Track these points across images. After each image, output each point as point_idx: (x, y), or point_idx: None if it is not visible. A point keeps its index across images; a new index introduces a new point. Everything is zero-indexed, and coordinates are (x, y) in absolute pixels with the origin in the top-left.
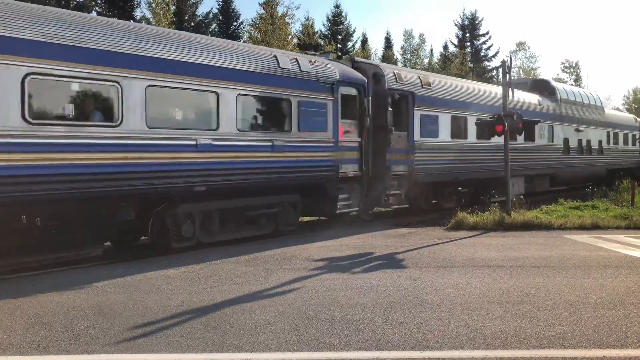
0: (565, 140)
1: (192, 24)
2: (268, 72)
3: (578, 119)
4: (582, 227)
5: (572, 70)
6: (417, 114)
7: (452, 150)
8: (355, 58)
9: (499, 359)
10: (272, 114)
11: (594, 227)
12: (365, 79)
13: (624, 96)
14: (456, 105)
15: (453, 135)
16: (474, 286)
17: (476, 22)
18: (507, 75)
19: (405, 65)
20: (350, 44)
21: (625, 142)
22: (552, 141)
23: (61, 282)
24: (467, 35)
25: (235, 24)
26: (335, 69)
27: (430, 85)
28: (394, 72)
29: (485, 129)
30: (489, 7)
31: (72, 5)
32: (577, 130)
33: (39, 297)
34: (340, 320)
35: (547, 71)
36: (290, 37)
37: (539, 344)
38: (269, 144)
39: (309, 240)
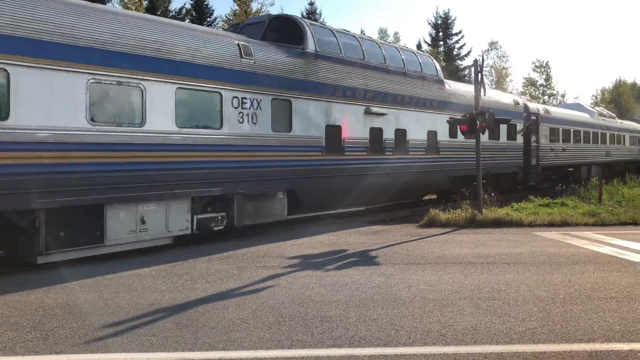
0: (332, 130)
1: None
2: None
3: (371, 92)
4: (551, 224)
5: (542, 69)
6: None
7: None
8: None
9: (469, 355)
10: None
11: (563, 224)
12: None
13: (593, 96)
14: None
15: None
16: (446, 282)
17: (449, 21)
18: (480, 75)
19: None
20: None
21: (495, 135)
22: (291, 130)
23: (29, 282)
24: (441, 34)
25: (208, 19)
26: None
27: None
28: None
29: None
30: (462, 7)
31: None
32: (369, 112)
33: (6, 297)
34: (313, 317)
35: (518, 70)
36: None
37: (509, 340)
38: None
39: (284, 237)
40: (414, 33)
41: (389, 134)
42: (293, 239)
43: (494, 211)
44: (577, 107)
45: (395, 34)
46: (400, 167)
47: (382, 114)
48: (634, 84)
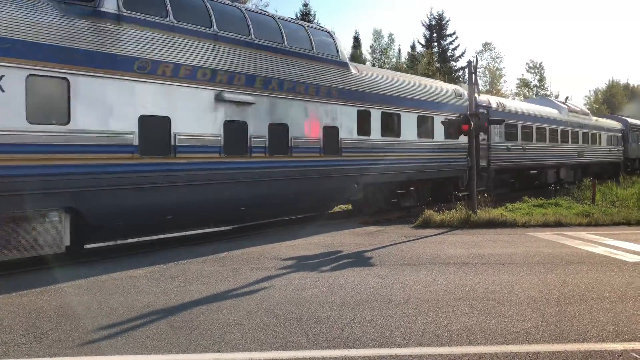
0: (153, 122)
1: None
2: None
3: (224, 73)
4: (545, 225)
5: (536, 70)
6: None
7: None
8: None
9: (464, 355)
10: None
11: (557, 224)
12: None
13: (585, 97)
14: None
15: None
16: (441, 283)
17: (443, 22)
18: (474, 76)
19: (373, 65)
20: None
21: (426, 133)
22: (69, 121)
23: (22, 284)
24: (435, 35)
25: None
26: None
27: None
28: None
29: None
30: (456, 8)
31: None
32: (223, 100)
33: None
34: (308, 319)
35: (512, 71)
36: None
37: (504, 340)
38: None
39: (279, 239)
40: (409, 34)
41: (259, 130)
42: (288, 240)
43: (488, 212)
44: (545, 102)
45: (390, 35)
46: (278, 172)
47: (247, 103)
48: (626, 85)
